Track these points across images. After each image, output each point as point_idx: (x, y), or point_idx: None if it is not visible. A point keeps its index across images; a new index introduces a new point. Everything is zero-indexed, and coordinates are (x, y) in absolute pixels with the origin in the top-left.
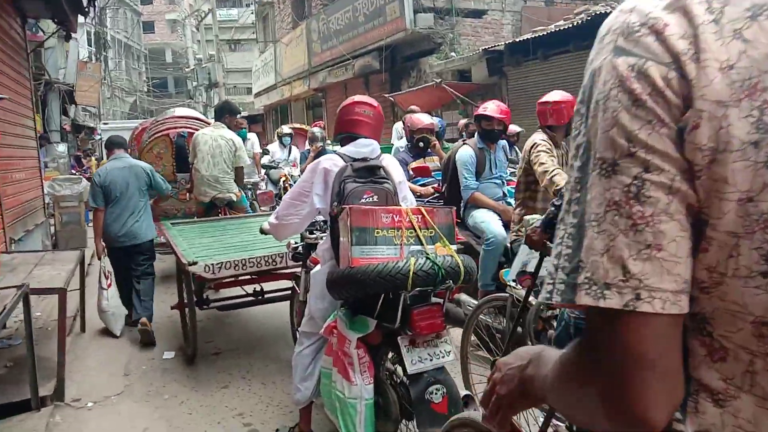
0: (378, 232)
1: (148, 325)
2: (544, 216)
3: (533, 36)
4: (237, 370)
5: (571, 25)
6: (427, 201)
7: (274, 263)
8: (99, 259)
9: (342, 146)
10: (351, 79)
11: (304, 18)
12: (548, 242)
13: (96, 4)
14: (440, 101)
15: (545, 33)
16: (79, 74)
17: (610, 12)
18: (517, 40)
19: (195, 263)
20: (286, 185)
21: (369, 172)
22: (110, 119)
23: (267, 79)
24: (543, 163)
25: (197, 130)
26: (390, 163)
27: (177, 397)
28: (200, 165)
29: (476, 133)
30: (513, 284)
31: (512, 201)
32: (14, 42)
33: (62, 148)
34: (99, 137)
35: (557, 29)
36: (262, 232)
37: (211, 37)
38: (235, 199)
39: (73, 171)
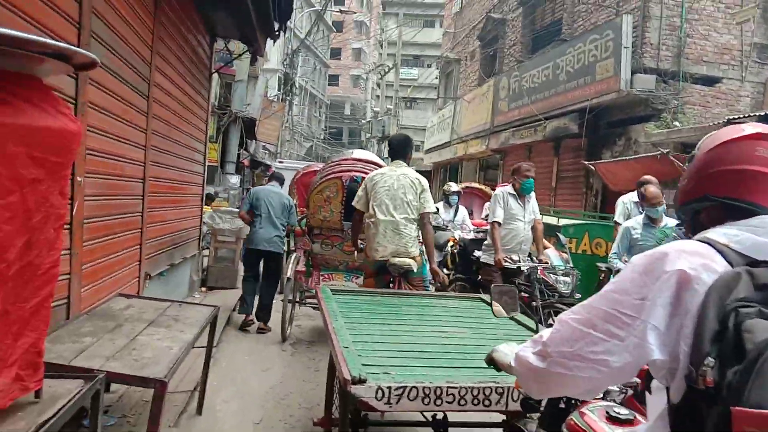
0: None
1: (266, 327)
2: None
3: None
4: None
5: None
6: None
7: (486, 403)
8: None
9: (701, 225)
10: (539, 141)
11: (492, 75)
12: None
13: (286, 28)
14: (660, 176)
15: None
16: (263, 111)
17: None
18: None
19: (362, 381)
20: (453, 250)
21: None
22: (285, 159)
23: (441, 135)
24: None
25: None
26: None
27: None
28: (376, 209)
29: None
30: None
31: None
32: (200, 60)
33: (235, 179)
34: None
35: None
36: (493, 364)
37: (390, 93)
38: (414, 268)
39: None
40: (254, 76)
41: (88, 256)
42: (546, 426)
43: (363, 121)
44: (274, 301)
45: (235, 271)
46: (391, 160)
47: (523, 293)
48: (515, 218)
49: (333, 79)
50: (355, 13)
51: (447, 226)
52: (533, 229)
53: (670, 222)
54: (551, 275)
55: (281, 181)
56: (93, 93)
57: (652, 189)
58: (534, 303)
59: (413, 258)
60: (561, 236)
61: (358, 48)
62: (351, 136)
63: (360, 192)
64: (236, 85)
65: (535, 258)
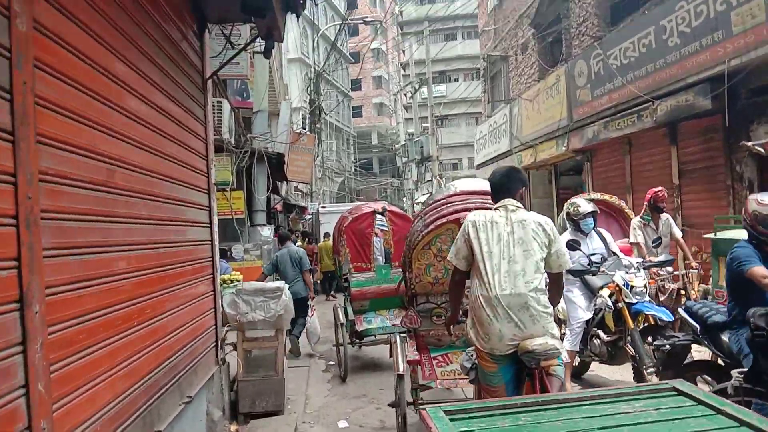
0: None
1: (295, 350)
2: None
3: None
4: None
5: None
6: None
7: None
8: None
9: None
10: (645, 130)
11: (560, 62)
12: None
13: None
14: None
15: None
16: (291, 147)
17: None
18: None
19: None
20: (619, 305)
21: None
22: (319, 199)
23: (496, 146)
24: None
25: None
26: None
27: None
28: (488, 275)
29: None
30: None
31: None
32: (184, 60)
33: (267, 231)
34: (310, 217)
35: None
36: None
37: (423, 114)
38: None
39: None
40: (275, 113)
41: None
42: None
43: (396, 145)
44: None
45: (281, 382)
46: (495, 202)
47: None
48: None
49: (356, 111)
50: (371, 36)
51: (598, 267)
52: None
53: None
54: None
55: (289, 238)
56: None
57: None
58: None
59: (553, 335)
60: None
61: (378, 76)
62: (381, 165)
63: (459, 243)
64: (255, 116)
65: None
